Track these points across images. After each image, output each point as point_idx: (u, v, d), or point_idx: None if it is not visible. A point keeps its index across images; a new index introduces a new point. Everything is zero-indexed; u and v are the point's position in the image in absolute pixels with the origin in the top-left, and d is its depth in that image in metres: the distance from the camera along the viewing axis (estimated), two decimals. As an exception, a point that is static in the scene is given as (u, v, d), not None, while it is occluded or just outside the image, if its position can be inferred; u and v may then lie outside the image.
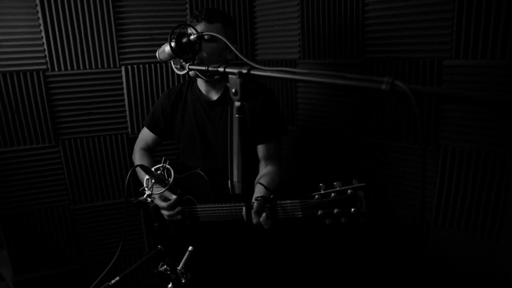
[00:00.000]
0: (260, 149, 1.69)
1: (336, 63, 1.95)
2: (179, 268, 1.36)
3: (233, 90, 1.01)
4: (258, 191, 1.48)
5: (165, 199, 1.64)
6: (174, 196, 1.61)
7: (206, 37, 1.50)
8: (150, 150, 1.95)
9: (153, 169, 1.35)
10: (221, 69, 1.08)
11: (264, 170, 1.68)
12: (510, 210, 1.50)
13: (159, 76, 2.27)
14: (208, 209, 1.59)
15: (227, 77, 1.06)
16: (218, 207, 1.55)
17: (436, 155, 1.66)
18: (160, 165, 1.36)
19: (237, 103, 1.02)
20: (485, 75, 1.47)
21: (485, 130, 1.51)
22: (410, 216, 1.81)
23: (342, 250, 2.05)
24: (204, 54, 1.55)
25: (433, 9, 1.56)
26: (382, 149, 1.85)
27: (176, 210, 1.63)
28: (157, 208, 1.40)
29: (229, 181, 1.66)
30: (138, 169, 1.68)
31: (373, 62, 1.80)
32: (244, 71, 0.97)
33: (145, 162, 1.87)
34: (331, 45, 1.95)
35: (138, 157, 1.91)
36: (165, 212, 1.64)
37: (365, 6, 1.78)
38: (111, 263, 1.13)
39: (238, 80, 0.99)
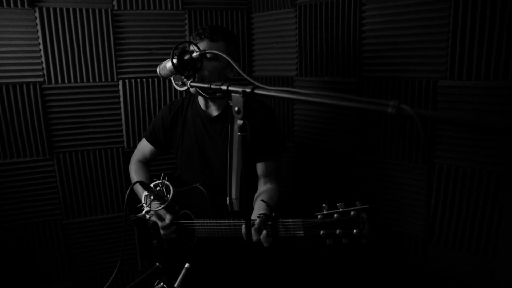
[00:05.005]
0: (260, 167, 1.69)
1: (333, 81, 1.98)
2: (175, 285, 1.34)
3: (236, 109, 1.02)
4: (259, 208, 1.48)
5: (159, 217, 1.62)
6: (168, 217, 1.60)
7: (208, 55, 1.51)
8: (147, 163, 1.95)
9: (152, 185, 1.34)
10: (224, 87, 1.09)
11: (263, 187, 1.68)
12: (504, 228, 1.52)
13: (156, 91, 2.27)
14: (205, 224, 1.58)
15: (229, 95, 1.07)
16: (217, 223, 1.54)
17: (431, 174, 1.68)
18: (159, 181, 1.35)
19: (239, 122, 1.03)
20: (479, 96, 1.50)
21: (480, 149, 1.54)
22: (406, 233, 1.82)
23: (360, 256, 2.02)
24: (206, 73, 1.55)
25: (429, 31, 1.61)
26: (379, 166, 1.86)
27: (171, 229, 1.63)
28: (156, 225, 1.39)
29: (227, 198, 1.65)
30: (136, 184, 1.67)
31: (370, 81, 1.83)
32: (248, 90, 0.98)
33: (141, 175, 1.86)
34: (328, 63, 1.99)
35: (134, 169, 1.90)
36: (161, 231, 1.63)
37: (362, 26, 1.82)
38: (109, 281, 1.11)
39: (241, 99, 1.00)
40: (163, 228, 1.62)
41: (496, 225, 1.53)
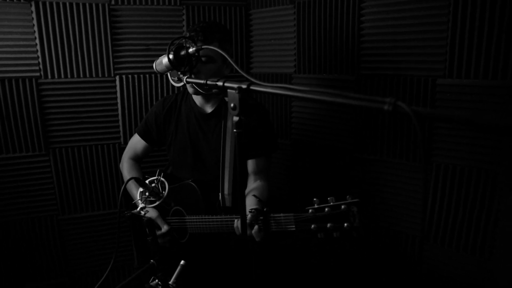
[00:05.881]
0: (251, 164, 1.70)
1: (331, 78, 1.97)
2: (170, 282, 1.33)
3: (232, 105, 1.01)
4: (251, 203, 1.48)
5: (156, 226, 1.66)
6: (165, 227, 1.65)
7: (203, 59, 1.52)
8: (139, 160, 1.93)
9: (147, 181, 1.33)
10: (220, 84, 1.08)
11: (253, 184, 1.68)
12: (502, 228, 1.51)
13: (153, 87, 2.26)
14: (198, 220, 1.58)
15: (225, 91, 1.06)
16: (209, 219, 1.54)
17: (428, 172, 1.67)
18: (154, 177, 1.34)
19: (236, 118, 1.02)
20: (477, 94, 1.50)
21: (477, 147, 1.53)
22: (403, 232, 1.81)
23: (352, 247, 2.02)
24: (202, 76, 1.54)
25: (427, 29, 1.60)
26: (376, 165, 1.86)
27: (166, 238, 1.67)
28: (151, 221, 1.38)
29: (220, 194, 1.66)
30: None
31: (368, 79, 1.82)
32: (244, 86, 0.97)
33: (133, 173, 1.86)
34: (326, 60, 1.97)
35: (126, 167, 1.89)
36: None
37: (360, 23, 1.81)
38: (102, 278, 1.10)
39: (237, 95, 0.99)
40: (160, 236, 1.66)
41: (493, 224, 1.53)
